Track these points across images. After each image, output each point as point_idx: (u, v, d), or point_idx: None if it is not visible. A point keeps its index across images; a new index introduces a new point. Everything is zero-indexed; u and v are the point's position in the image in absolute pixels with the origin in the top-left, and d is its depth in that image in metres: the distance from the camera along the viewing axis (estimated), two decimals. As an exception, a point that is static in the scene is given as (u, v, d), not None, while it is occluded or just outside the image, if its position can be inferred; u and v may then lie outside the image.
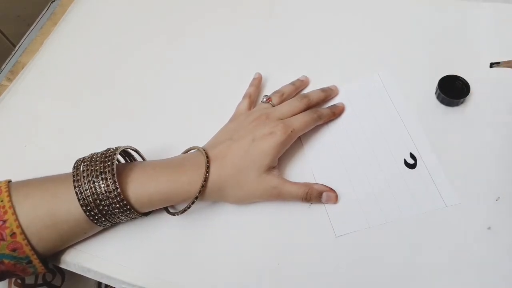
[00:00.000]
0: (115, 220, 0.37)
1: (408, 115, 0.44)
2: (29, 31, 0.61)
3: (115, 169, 0.35)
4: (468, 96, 0.43)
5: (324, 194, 0.39)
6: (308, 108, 0.43)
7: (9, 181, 0.38)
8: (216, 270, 0.38)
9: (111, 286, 0.40)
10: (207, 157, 0.38)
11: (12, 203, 0.35)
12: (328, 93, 0.46)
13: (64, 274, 0.45)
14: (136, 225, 0.41)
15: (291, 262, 0.38)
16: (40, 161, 0.47)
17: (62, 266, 0.40)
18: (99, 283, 0.58)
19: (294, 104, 0.43)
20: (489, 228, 0.36)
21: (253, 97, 0.46)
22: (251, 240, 0.39)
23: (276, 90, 0.46)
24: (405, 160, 0.41)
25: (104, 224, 0.38)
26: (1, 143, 0.49)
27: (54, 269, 0.39)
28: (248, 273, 0.38)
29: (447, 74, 0.44)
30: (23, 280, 0.43)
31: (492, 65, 0.38)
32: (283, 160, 0.42)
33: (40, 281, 0.44)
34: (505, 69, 0.45)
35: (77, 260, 0.40)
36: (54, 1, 0.63)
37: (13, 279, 0.43)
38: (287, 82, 0.47)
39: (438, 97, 0.44)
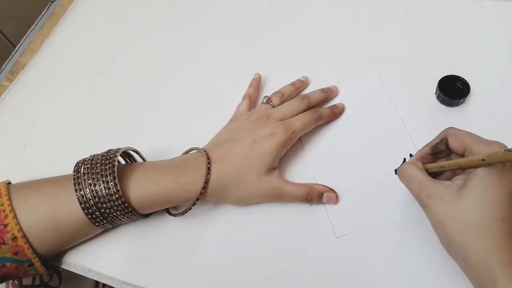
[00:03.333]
0: (116, 222, 0.37)
1: (408, 115, 0.44)
2: (29, 31, 0.61)
3: (116, 172, 0.35)
4: (468, 96, 0.43)
5: (325, 195, 0.39)
6: (308, 108, 0.43)
7: (8, 183, 0.38)
8: (216, 270, 0.38)
9: (108, 286, 0.40)
10: (208, 158, 0.38)
11: (12, 207, 0.35)
12: (328, 94, 0.46)
13: (61, 275, 0.45)
14: (137, 225, 0.41)
15: (291, 262, 0.38)
16: (40, 161, 0.47)
17: (63, 266, 0.40)
18: (96, 284, 0.58)
19: (294, 104, 0.43)
20: (489, 229, 0.36)
21: (253, 98, 0.46)
22: (252, 240, 0.39)
23: (277, 91, 0.46)
24: (405, 160, 0.41)
25: (105, 226, 0.38)
26: (1, 143, 0.49)
27: (51, 270, 0.39)
28: (248, 273, 0.38)
29: (447, 74, 0.44)
30: (20, 281, 0.43)
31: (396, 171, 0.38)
32: (283, 160, 0.42)
33: (37, 282, 0.44)
34: (506, 69, 0.46)
35: (77, 260, 0.40)
36: (54, 1, 0.63)
37: (11, 280, 0.43)
38: (287, 82, 0.47)
39: (438, 97, 0.44)
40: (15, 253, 0.35)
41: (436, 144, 0.35)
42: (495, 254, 0.29)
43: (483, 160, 0.30)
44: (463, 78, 0.44)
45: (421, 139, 0.42)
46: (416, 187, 0.33)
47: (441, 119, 0.43)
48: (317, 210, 0.40)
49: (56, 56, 0.56)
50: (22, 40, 0.60)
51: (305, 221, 0.40)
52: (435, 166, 0.34)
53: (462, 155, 0.33)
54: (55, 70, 0.55)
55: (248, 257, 0.39)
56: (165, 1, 0.59)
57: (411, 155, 0.41)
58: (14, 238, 0.34)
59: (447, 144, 0.34)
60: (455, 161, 0.33)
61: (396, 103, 0.45)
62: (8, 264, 0.35)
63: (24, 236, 0.35)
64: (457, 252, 0.31)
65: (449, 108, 0.43)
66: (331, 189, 0.40)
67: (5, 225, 0.34)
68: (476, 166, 0.31)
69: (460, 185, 0.31)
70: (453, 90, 0.43)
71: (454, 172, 0.35)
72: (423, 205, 0.33)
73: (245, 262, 0.39)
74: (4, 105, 0.52)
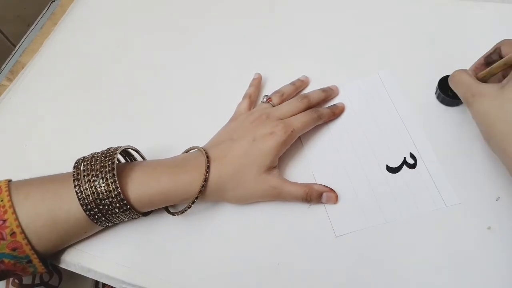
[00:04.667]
0: (115, 219, 0.37)
1: (408, 115, 0.44)
2: (29, 31, 0.61)
3: (115, 169, 0.35)
4: (468, 96, 0.43)
5: (324, 195, 0.39)
6: (308, 108, 0.43)
7: (9, 181, 0.38)
8: (216, 270, 0.38)
9: (108, 286, 0.40)
10: (208, 157, 0.38)
11: (12, 203, 0.35)
12: (329, 93, 0.46)
13: (61, 274, 0.45)
14: (136, 225, 0.41)
15: (291, 262, 0.38)
16: (40, 161, 0.47)
17: (62, 266, 0.40)
18: (96, 284, 0.58)
19: (294, 104, 0.43)
20: (489, 228, 0.36)
21: (253, 97, 0.46)
22: (251, 240, 0.39)
23: (276, 90, 0.46)
24: (405, 160, 0.41)
25: (104, 224, 0.38)
26: (1, 143, 0.49)
27: (51, 269, 0.39)
28: (248, 273, 0.38)
29: (447, 74, 0.44)
30: (20, 280, 0.44)
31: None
32: (283, 160, 0.42)
33: (37, 281, 0.45)
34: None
35: (77, 260, 0.40)
36: (54, 1, 0.63)
37: (11, 279, 0.43)
38: (287, 82, 0.47)
39: (438, 97, 0.44)
40: (14, 249, 0.35)
41: (489, 54, 0.38)
42: None
43: None
44: (463, 78, 0.44)
45: (421, 139, 0.42)
46: (462, 89, 0.36)
47: (441, 119, 0.43)
48: (317, 210, 0.40)
49: (56, 56, 0.56)
50: (22, 40, 0.60)
51: (304, 220, 0.40)
52: (484, 72, 0.37)
53: None
54: (55, 70, 0.55)
55: (247, 256, 0.39)
56: (165, 1, 0.60)
57: (411, 155, 0.41)
58: (13, 234, 0.35)
59: (500, 54, 0.37)
60: (500, 61, 0.35)
61: (396, 103, 0.45)
62: (6, 260, 0.35)
63: (23, 232, 0.35)
64: (496, 143, 0.33)
65: (449, 108, 0.43)
66: (330, 189, 0.40)
67: (4, 221, 0.34)
68: None
69: (504, 84, 0.33)
70: (453, 90, 0.43)
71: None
72: (468, 103, 0.35)
73: (245, 261, 0.38)
74: (4, 105, 0.52)
